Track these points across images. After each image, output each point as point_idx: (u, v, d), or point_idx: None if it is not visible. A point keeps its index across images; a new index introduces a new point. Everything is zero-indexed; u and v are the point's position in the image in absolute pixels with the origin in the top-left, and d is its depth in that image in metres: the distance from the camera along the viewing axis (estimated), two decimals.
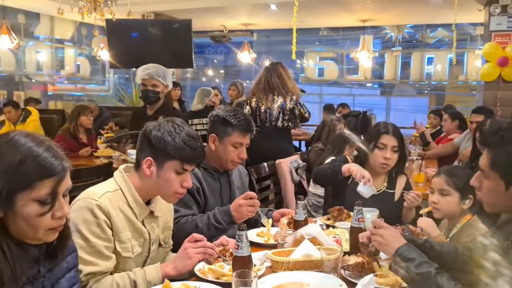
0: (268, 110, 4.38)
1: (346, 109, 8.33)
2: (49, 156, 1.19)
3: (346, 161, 2.84)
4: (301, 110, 4.39)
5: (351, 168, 2.58)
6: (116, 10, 5.86)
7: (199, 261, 1.84)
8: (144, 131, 1.85)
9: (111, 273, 1.75)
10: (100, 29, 9.46)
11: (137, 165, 1.87)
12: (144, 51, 8.13)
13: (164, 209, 1.99)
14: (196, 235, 1.84)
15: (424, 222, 2.22)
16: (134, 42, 8.13)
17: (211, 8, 8.10)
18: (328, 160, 3.16)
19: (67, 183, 1.23)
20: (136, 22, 8.33)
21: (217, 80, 14.23)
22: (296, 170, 4.32)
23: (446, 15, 5.67)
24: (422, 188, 3.66)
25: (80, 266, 1.60)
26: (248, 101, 4.50)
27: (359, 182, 2.52)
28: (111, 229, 1.74)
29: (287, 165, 4.22)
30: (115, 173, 1.89)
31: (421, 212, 2.70)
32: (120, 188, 1.82)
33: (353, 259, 1.78)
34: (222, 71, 14.86)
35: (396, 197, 2.76)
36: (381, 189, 2.76)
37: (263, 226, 2.40)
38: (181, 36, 8.04)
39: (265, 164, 4.03)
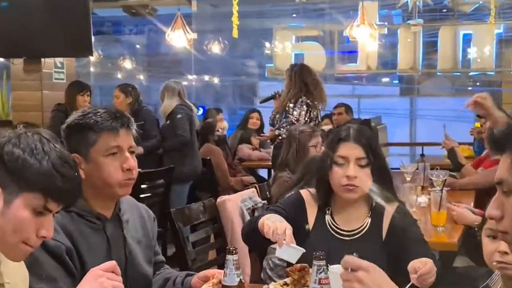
0: None
1: (343, 115, 6.15)
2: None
3: (298, 199, 2.37)
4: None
5: (264, 222, 2.12)
6: None
7: None
8: None
9: None
10: None
11: None
12: (19, 34, 6.16)
13: (14, 275, 1.64)
14: (115, 268, 1.64)
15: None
16: (4, 20, 5.66)
17: None
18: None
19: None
20: None
21: (141, 77, 11.05)
22: (253, 211, 3.56)
23: None
24: (443, 236, 2.79)
25: None
26: None
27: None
28: None
29: (236, 204, 3.46)
30: None
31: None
32: None
33: None
34: (146, 63, 11.82)
35: (384, 235, 2.28)
36: (365, 228, 2.27)
37: None
38: (73, 9, 5.85)
39: (199, 204, 3.36)
